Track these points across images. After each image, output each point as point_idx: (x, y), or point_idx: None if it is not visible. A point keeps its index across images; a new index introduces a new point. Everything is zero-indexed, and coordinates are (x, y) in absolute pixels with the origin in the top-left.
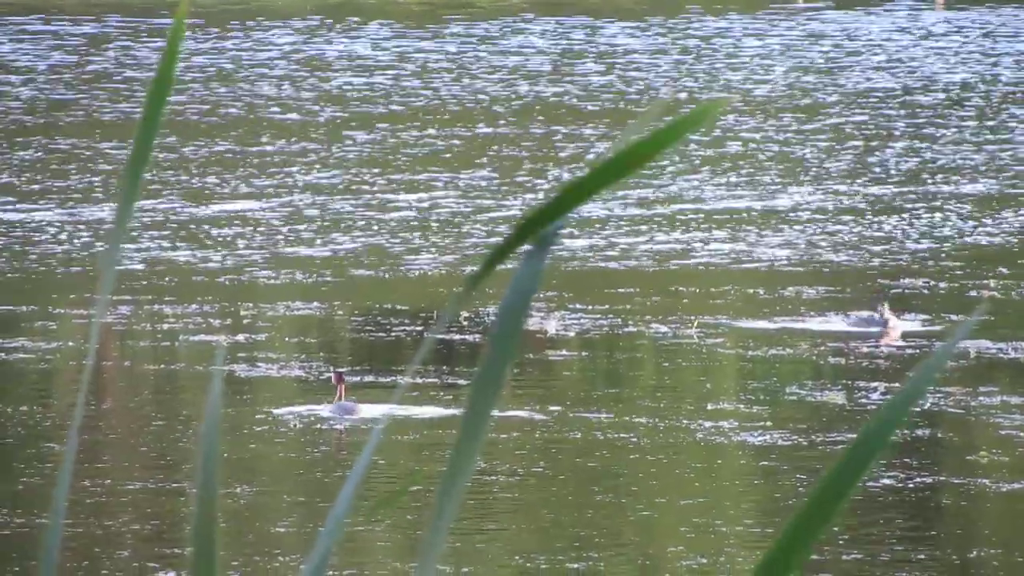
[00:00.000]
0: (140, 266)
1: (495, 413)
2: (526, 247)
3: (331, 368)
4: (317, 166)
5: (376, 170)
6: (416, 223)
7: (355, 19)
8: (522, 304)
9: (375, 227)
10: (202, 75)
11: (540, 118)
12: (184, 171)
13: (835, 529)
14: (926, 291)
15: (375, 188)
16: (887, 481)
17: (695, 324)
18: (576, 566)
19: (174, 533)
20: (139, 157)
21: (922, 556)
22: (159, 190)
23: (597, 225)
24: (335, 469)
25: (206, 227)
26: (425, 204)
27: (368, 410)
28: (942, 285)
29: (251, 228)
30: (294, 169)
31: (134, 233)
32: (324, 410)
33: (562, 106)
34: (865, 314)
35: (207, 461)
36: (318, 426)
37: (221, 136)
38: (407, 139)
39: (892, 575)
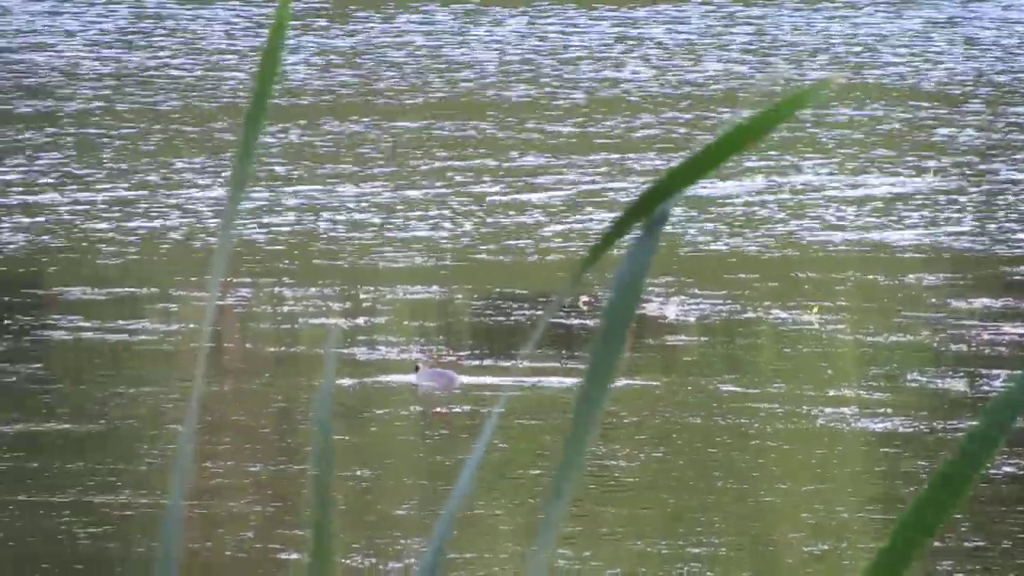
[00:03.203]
0: (262, 248)
1: (610, 393)
2: (637, 229)
3: (425, 351)
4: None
5: (514, 153)
6: (540, 207)
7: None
8: (633, 287)
9: (498, 211)
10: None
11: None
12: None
13: (956, 516)
14: None
15: (506, 172)
16: (1009, 469)
17: (815, 310)
18: (697, 551)
19: (297, 515)
20: (249, 141)
21: None
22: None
23: (716, 209)
24: (455, 452)
25: (333, 210)
26: (554, 188)
27: (465, 379)
28: None
29: (377, 210)
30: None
31: (261, 214)
32: (413, 378)
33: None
34: None
35: (322, 442)
36: (438, 409)
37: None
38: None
39: (1013, 563)
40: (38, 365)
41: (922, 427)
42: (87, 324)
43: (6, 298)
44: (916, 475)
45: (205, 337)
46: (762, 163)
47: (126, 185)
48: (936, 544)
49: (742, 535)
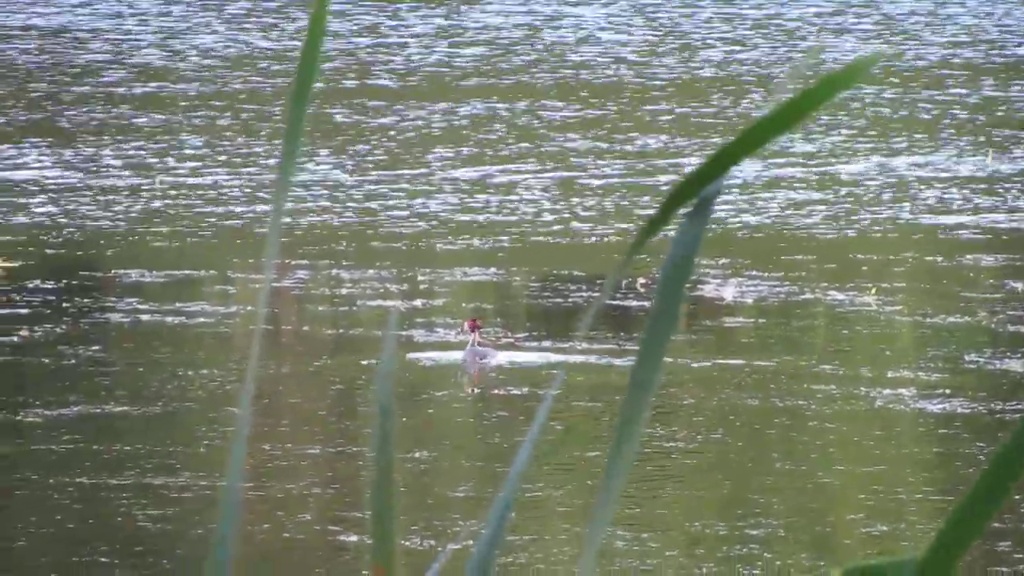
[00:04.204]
0: (317, 230)
1: (662, 372)
2: (685, 209)
3: (470, 322)
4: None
5: (573, 135)
6: (598, 189)
7: None
8: (683, 268)
9: (551, 193)
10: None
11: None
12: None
13: (1016, 497)
14: None
15: (565, 154)
16: None
17: (873, 291)
18: (755, 532)
19: (356, 496)
20: (296, 121)
21: None
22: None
23: (773, 191)
24: (513, 434)
25: (388, 193)
26: (615, 170)
27: (502, 356)
28: None
29: (435, 193)
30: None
31: (317, 195)
32: (458, 355)
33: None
34: None
35: (383, 425)
36: (495, 391)
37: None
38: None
39: None
40: (97, 348)
41: (980, 408)
42: (145, 307)
43: (65, 281)
44: (974, 456)
45: (260, 319)
46: (819, 146)
47: (197, 168)
48: (995, 525)
49: (800, 516)
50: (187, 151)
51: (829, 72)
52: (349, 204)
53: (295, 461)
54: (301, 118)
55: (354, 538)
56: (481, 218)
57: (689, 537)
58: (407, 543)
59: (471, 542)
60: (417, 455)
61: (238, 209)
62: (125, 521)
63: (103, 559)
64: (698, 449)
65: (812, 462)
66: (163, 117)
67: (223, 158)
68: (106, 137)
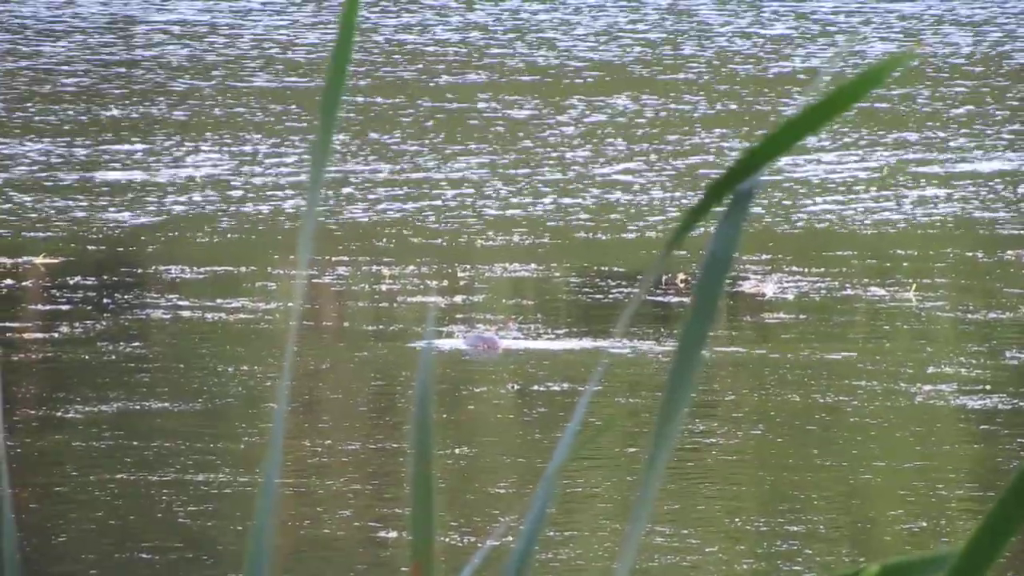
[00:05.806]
0: (358, 226)
1: (701, 367)
2: (724, 205)
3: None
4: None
5: (610, 129)
6: (634, 183)
7: None
8: (722, 262)
9: (592, 188)
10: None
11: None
12: (416, 133)
13: None
14: None
15: (603, 149)
16: None
17: (913, 287)
18: (795, 529)
19: (396, 493)
20: (329, 115)
21: None
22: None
23: (814, 187)
24: (553, 430)
25: (426, 188)
26: (647, 165)
27: (510, 344)
28: None
29: (471, 189)
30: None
31: (355, 193)
32: (462, 342)
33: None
34: None
35: (422, 421)
36: (535, 387)
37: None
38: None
39: None
40: (137, 344)
41: (1021, 404)
42: (185, 303)
43: (105, 277)
44: (1016, 452)
45: (296, 315)
46: (858, 139)
47: (240, 160)
48: None
49: (840, 513)
50: (230, 145)
51: (864, 69)
52: (388, 197)
53: (335, 457)
54: (333, 115)
55: (393, 534)
56: (518, 213)
57: (729, 533)
58: (447, 539)
59: (510, 538)
60: (457, 451)
61: (282, 205)
62: (165, 517)
63: (144, 555)
64: (738, 445)
65: (853, 458)
66: (222, 112)
67: (271, 153)
68: (166, 133)
